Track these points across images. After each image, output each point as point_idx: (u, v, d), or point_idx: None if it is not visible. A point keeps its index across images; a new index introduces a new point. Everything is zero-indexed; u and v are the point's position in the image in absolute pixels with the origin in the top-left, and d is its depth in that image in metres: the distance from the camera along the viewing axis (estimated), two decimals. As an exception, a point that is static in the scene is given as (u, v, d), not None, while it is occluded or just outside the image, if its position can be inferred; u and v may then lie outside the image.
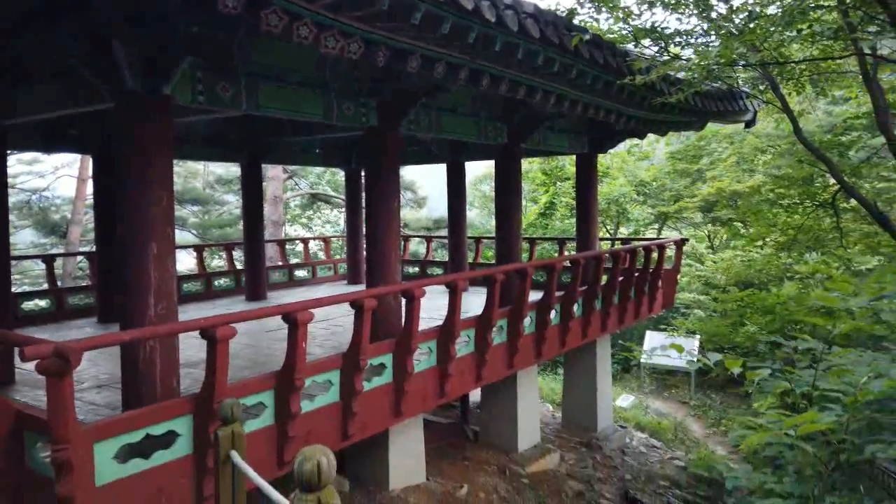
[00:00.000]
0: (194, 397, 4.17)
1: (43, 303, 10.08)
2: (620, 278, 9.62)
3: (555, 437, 9.69)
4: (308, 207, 27.21)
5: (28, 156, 22.28)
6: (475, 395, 9.69)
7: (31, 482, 3.87)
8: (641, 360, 17.55)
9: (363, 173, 8.40)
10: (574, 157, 12.72)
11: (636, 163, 25.15)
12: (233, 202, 27.10)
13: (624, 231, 24.00)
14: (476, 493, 7.09)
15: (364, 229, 13.91)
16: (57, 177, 21.84)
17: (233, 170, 26.62)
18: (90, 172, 21.16)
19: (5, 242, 6.36)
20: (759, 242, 15.17)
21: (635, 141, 23.87)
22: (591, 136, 11.31)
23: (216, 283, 12.31)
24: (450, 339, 6.20)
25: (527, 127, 9.11)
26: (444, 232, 20.50)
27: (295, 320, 4.53)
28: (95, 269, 10.29)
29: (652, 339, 17.56)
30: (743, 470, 3.76)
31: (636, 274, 10.26)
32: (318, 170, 26.89)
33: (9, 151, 7.44)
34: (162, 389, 4.61)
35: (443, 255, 16.41)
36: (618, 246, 14.26)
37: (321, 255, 18.86)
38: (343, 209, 27.83)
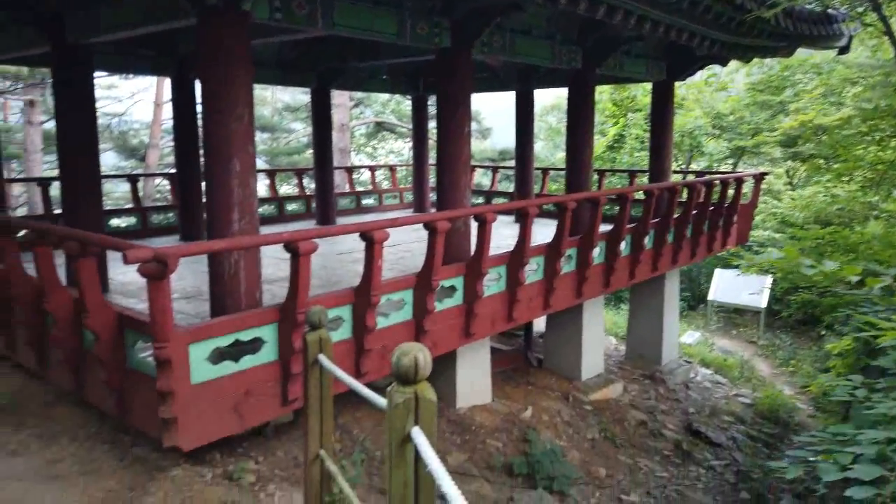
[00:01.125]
0: (279, 307, 4.36)
1: (128, 221, 10.61)
2: (694, 211, 9.33)
3: (618, 369, 9.72)
4: (373, 136, 27.28)
5: (106, 81, 22.99)
6: (538, 325, 9.77)
7: (132, 378, 4.19)
8: (709, 298, 17.19)
9: (435, 99, 8.26)
10: (648, 85, 12.18)
11: (713, 94, 23.86)
12: (300, 130, 27.45)
13: (695, 166, 23.09)
14: (539, 415, 7.26)
15: (430, 158, 14.09)
16: (134, 101, 22.51)
17: (300, 97, 26.83)
18: (165, 97, 21.77)
19: (96, 161, 6.65)
20: (846, 178, 14.33)
21: (714, 70, 22.59)
22: (669, 62, 10.76)
23: (288, 207, 12.64)
24: (519, 265, 6.22)
25: (602, 51, 8.73)
26: (509, 163, 20.26)
27: (372, 238, 4.62)
28: (176, 189, 10.69)
29: (721, 276, 17.10)
30: (864, 467, 3.53)
31: (711, 207, 9.93)
32: (384, 98, 26.76)
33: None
34: (246, 301, 4.83)
35: (507, 188, 16.23)
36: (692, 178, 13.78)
37: (385, 185, 19.02)
38: (408, 139, 27.83)
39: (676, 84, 11.54)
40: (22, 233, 5.06)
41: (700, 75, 21.86)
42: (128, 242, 3.72)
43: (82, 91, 6.52)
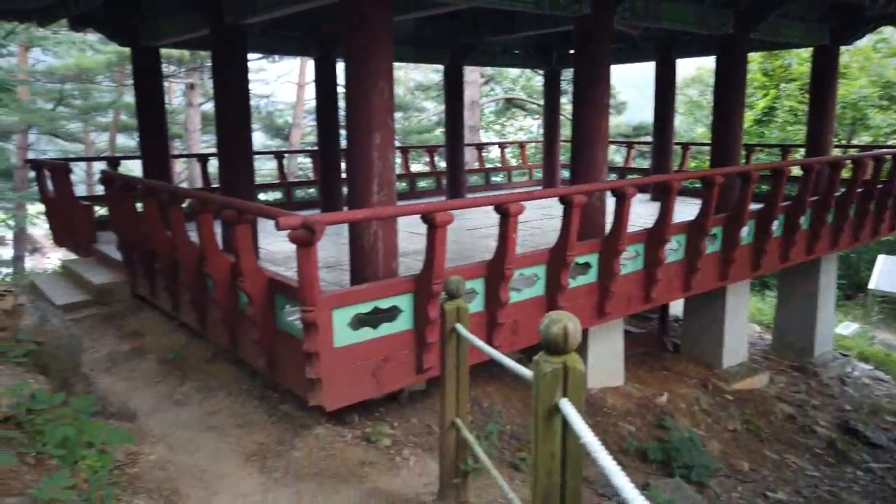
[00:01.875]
0: (415, 278, 4.43)
1: (274, 195, 11.30)
2: (859, 189, 8.40)
3: (762, 359, 9.05)
4: (502, 114, 27.13)
5: (255, 65, 24.56)
6: (674, 308, 9.30)
7: (280, 339, 4.45)
8: (870, 287, 15.55)
9: (572, 72, 8.00)
10: (805, 52, 11.05)
11: (882, 60, 21.33)
12: (431, 109, 27.87)
13: (858, 141, 20.82)
14: (676, 402, 6.92)
15: (561, 135, 13.77)
16: (280, 83, 23.87)
17: (431, 76, 27.21)
18: (307, 79, 22.93)
19: (249, 137, 7.10)
20: None
21: (884, 34, 20.17)
22: (833, 25, 9.68)
23: (419, 183, 12.89)
24: (659, 243, 5.91)
25: (758, 12, 8.00)
26: (645, 139, 19.34)
27: (507, 211, 4.56)
28: (317, 166, 11.21)
29: (886, 263, 15.39)
30: None
31: (879, 186, 8.89)
32: (514, 74, 26.50)
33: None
34: (384, 270, 4.97)
35: (641, 165, 15.52)
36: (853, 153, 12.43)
37: (514, 162, 18.86)
38: (537, 116, 27.41)
39: (842, 47, 10.40)
40: (186, 203, 5.50)
41: (867, 40, 19.59)
42: (280, 210, 3.93)
43: (238, 71, 6.96)
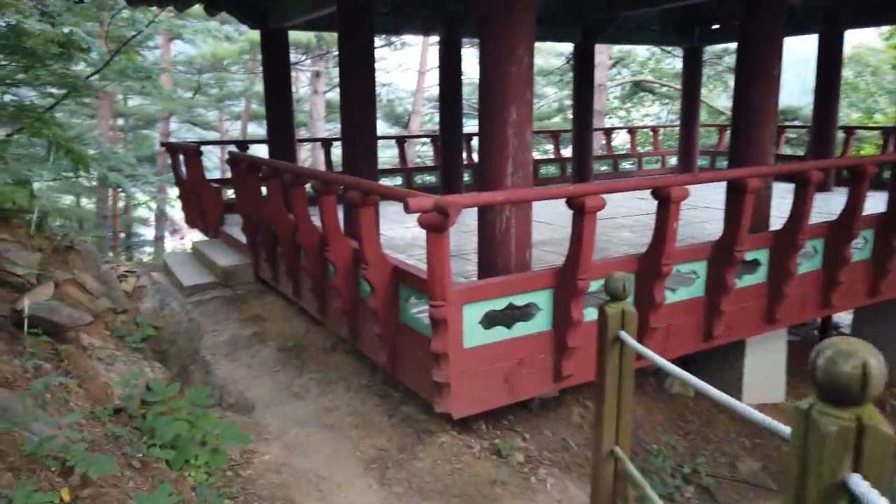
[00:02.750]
0: (555, 271, 3.86)
1: (394, 181, 11.07)
2: None
3: (951, 378, 7.64)
4: (628, 99, 25.67)
5: (378, 53, 24.80)
6: (836, 315, 8.07)
7: (403, 334, 4.04)
8: None
9: (737, 44, 7.04)
10: None
11: None
12: (552, 95, 26.91)
13: None
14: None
15: (695, 117, 12.57)
16: (401, 70, 23.89)
17: (552, 61, 26.21)
18: (428, 66, 22.79)
19: (373, 120, 6.80)
20: None
21: None
22: None
23: (541, 170, 12.22)
24: (845, 239, 4.94)
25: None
26: (797, 125, 17.47)
27: (668, 196, 3.87)
28: (438, 150, 10.87)
29: None
30: None
31: None
32: (643, 56, 24.96)
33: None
34: (516, 261, 4.44)
35: (789, 152, 13.94)
36: None
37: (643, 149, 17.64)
38: (666, 101, 25.70)
39: None
40: (309, 184, 5.24)
41: None
42: (410, 191, 3.49)
43: (363, 49, 6.66)
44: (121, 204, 23.80)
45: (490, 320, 3.74)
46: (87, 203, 23.84)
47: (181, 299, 4.06)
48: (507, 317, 3.79)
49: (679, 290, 4.45)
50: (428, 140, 15.70)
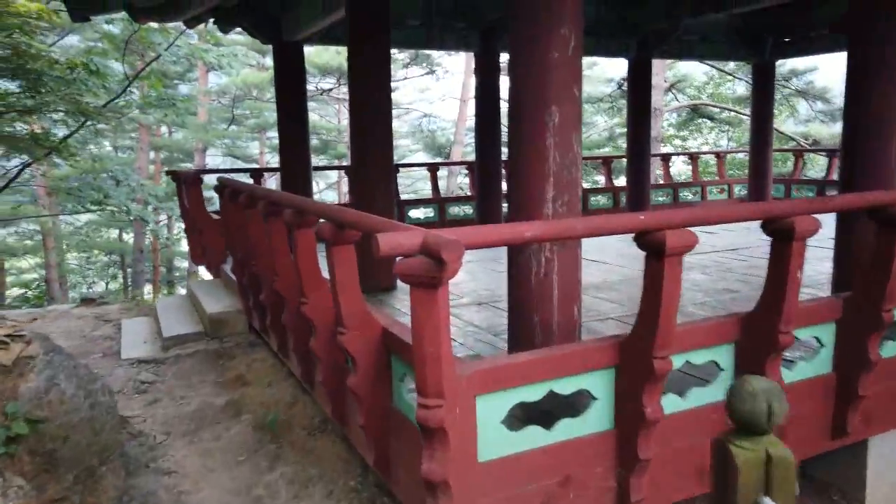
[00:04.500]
0: (618, 343, 2.59)
1: (426, 213, 9.95)
2: None
3: None
4: (684, 126, 24.15)
5: (421, 83, 24.12)
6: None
7: (398, 426, 2.82)
8: None
9: (847, 51, 5.74)
10: None
11: None
12: (601, 123, 25.64)
13: None
14: None
15: (767, 141, 11.11)
16: (442, 99, 23.07)
17: (600, 88, 25.00)
18: (471, 93, 21.90)
19: (388, 147, 5.73)
20: None
21: None
22: None
23: (591, 200, 10.95)
24: None
25: None
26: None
27: (790, 230, 2.57)
28: (474, 178, 9.74)
29: None
30: None
31: None
32: (700, 81, 23.52)
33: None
34: (560, 319, 3.20)
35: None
36: None
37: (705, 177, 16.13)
38: (725, 128, 24.05)
39: None
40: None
41: None
42: (388, 222, 2.30)
43: (378, 62, 5.62)
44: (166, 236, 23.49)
45: (520, 418, 2.49)
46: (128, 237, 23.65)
47: (86, 375, 2.94)
48: (546, 412, 2.53)
49: (797, 366, 3.10)
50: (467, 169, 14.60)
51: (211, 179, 7.50)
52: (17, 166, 15.17)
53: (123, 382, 4.79)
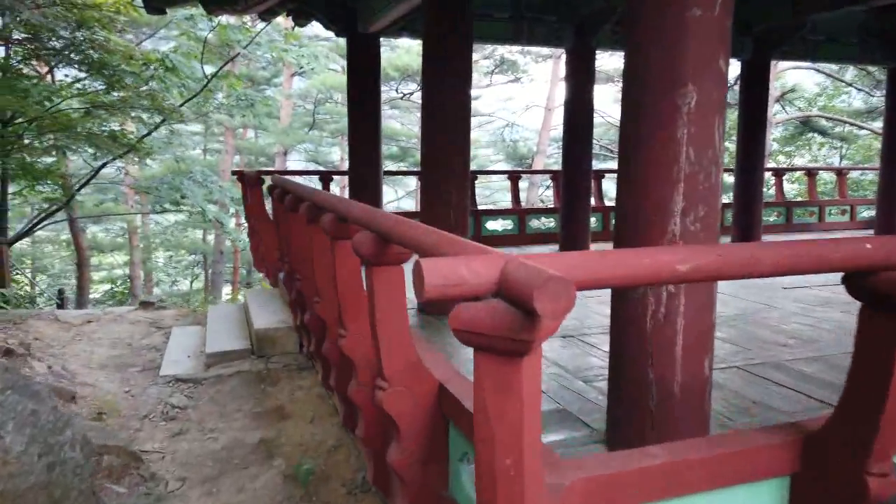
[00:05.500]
0: (800, 439, 1.66)
1: (504, 225, 9.12)
2: None
3: None
4: (792, 140, 22.21)
5: (504, 92, 23.34)
6: None
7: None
8: None
9: None
10: None
11: None
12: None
13: None
14: None
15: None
16: (527, 108, 22.19)
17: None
18: (556, 102, 20.92)
19: (464, 145, 4.96)
20: None
21: None
22: None
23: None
24: None
25: None
26: None
27: None
28: (559, 188, 8.83)
29: None
30: None
31: None
32: (811, 93, 21.57)
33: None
34: (684, 378, 2.34)
35: None
36: None
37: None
38: (838, 145, 21.92)
39: None
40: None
41: None
42: (448, 237, 1.50)
43: (457, 57, 4.88)
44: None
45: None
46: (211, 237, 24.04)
47: (49, 424, 2.28)
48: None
49: None
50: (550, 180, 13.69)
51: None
52: (115, 168, 15.51)
53: (153, 406, 4.22)
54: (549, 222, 8.94)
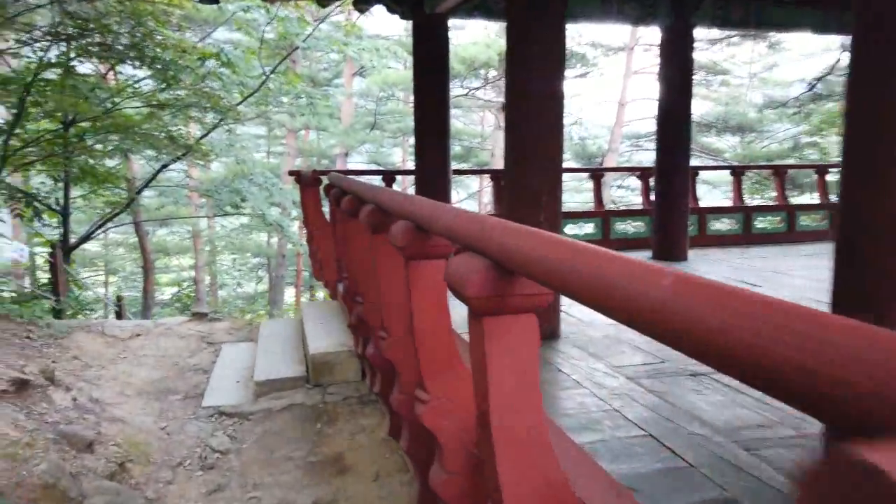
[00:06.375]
0: None
1: (586, 229, 8.17)
2: None
3: None
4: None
5: (571, 87, 22.20)
6: None
7: None
8: None
9: None
10: None
11: None
12: (782, 131, 22.32)
13: None
14: None
15: None
16: (597, 104, 21.05)
17: (787, 91, 21.73)
18: (628, 97, 19.72)
19: (558, 144, 4.13)
20: None
21: None
22: None
23: (801, 221, 8.60)
24: None
25: None
26: None
27: None
28: (655, 188, 7.80)
29: None
30: None
31: None
32: None
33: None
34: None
35: None
36: None
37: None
38: None
39: None
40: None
41: None
42: (595, 249, 0.69)
43: (549, 40, 4.05)
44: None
45: None
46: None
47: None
48: None
49: None
50: (635, 178, 12.65)
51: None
52: (178, 171, 15.34)
53: (190, 449, 3.55)
54: (638, 225, 7.95)
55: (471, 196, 23.84)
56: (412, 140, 21.12)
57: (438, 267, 1.67)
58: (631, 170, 13.67)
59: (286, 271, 22.12)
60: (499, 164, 18.35)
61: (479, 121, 23.64)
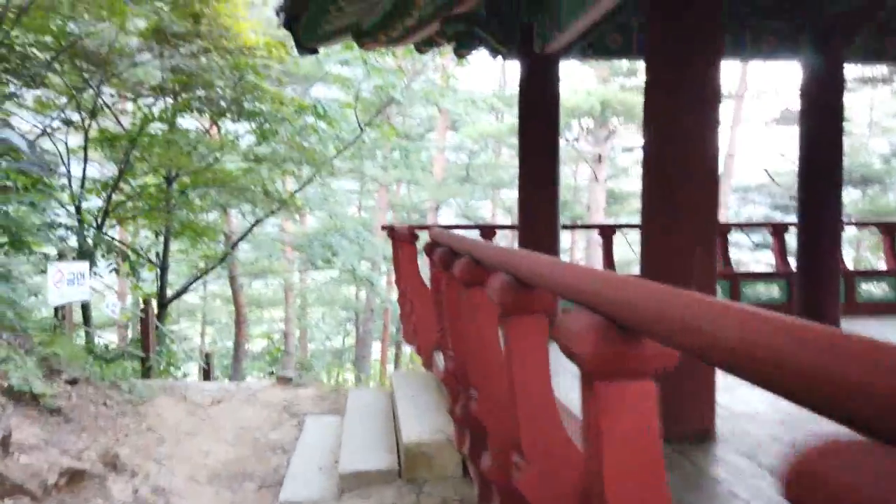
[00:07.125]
0: None
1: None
2: None
3: None
4: None
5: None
6: None
7: None
8: None
9: None
10: None
11: None
12: None
13: None
14: None
15: None
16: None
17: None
18: (738, 147, 18.42)
19: (714, 191, 3.38)
20: None
21: None
22: None
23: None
24: None
25: None
26: None
27: None
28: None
29: None
30: None
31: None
32: None
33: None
34: None
35: None
36: None
37: None
38: None
39: None
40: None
41: None
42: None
43: (705, 83, 3.35)
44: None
45: None
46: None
47: None
48: None
49: None
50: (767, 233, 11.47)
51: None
52: (273, 225, 15.46)
53: (259, 560, 2.93)
54: (772, 289, 6.92)
55: (563, 252, 22.91)
56: (503, 193, 20.56)
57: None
58: (762, 225, 12.47)
59: (373, 325, 21.83)
60: (595, 217, 17.44)
61: (571, 174, 22.90)
